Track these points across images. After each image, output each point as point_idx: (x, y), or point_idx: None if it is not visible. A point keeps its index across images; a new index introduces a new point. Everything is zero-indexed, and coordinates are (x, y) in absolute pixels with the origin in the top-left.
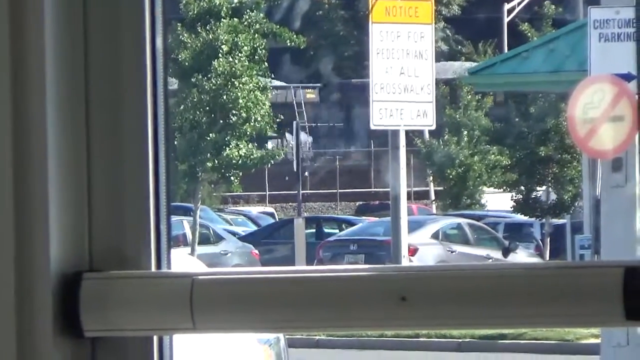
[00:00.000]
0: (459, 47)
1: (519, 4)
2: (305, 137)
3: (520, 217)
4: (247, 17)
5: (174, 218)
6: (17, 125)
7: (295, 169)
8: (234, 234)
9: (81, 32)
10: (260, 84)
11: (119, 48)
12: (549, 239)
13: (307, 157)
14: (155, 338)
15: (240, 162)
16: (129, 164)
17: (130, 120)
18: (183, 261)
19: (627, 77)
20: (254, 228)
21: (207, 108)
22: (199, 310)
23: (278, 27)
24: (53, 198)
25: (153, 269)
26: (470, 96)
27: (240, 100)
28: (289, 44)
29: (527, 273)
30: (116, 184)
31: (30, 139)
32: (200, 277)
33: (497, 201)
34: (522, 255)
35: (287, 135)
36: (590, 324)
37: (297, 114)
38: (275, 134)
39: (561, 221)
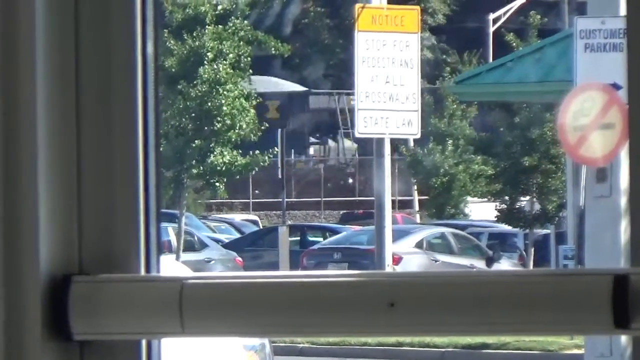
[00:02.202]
0: (444, 56)
1: (504, 14)
2: (350, 144)
3: (504, 227)
4: (232, 24)
5: None
6: (7, 130)
7: (279, 176)
8: (217, 241)
9: (72, 38)
10: (244, 91)
11: (109, 54)
12: (532, 249)
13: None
14: (144, 342)
15: (224, 168)
16: (118, 169)
17: (120, 125)
18: (171, 267)
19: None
20: (237, 236)
21: (193, 115)
22: (188, 315)
23: (263, 34)
24: (43, 201)
25: (142, 272)
26: (455, 105)
27: (225, 108)
28: (273, 52)
29: (516, 280)
30: (106, 188)
31: (20, 143)
32: (189, 281)
33: (481, 211)
34: (506, 265)
35: (330, 141)
36: (579, 331)
37: (340, 121)
38: (317, 141)
39: (545, 231)
